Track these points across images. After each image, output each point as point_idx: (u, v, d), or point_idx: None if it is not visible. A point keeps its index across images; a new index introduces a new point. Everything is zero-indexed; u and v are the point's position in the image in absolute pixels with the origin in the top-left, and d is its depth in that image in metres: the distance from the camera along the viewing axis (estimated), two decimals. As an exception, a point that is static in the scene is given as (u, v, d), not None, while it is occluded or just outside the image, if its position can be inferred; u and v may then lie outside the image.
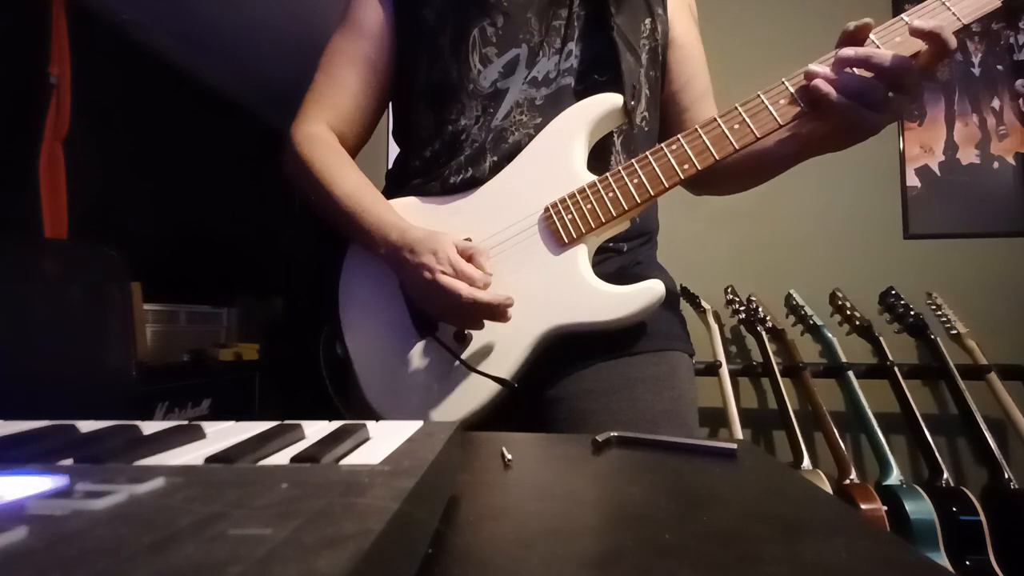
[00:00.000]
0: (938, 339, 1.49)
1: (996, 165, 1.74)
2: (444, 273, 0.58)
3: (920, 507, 1.19)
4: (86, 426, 0.30)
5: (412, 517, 0.17)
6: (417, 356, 0.67)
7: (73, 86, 2.09)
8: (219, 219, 3.06)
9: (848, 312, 1.61)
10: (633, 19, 0.71)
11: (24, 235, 1.87)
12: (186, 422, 0.29)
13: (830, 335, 1.59)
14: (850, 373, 1.52)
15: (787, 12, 1.88)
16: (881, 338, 1.54)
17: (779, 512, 0.28)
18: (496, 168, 0.68)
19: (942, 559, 1.15)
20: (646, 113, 0.73)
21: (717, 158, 0.60)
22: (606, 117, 0.66)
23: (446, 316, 0.63)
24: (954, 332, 1.51)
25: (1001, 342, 1.57)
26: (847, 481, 1.31)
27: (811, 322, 1.63)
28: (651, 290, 0.61)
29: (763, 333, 1.61)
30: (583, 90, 0.68)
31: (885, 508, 1.21)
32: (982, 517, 1.18)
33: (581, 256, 0.63)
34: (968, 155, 1.76)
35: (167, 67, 2.76)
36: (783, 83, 0.59)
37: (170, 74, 2.78)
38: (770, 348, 1.58)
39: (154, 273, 2.07)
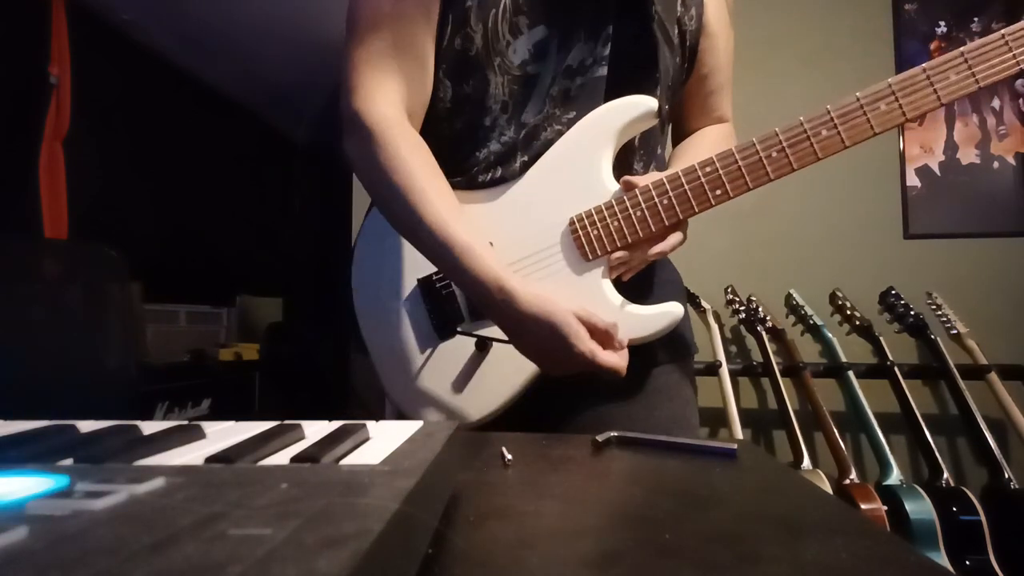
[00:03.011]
0: (938, 339, 1.49)
1: (996, 165, 1.74)
2: (592, 353, 0.56)
3: (920, 507, 1.19)
4: (86, 426, 0.30)
5: (412, 517, 0.17)
6: (439, 358, 0.67)
7: (73, 86, 2.09)
8: (219, 219, 3.06)
9: (848, 312, 1.61)
10: (671, 3, 0.67)
11: (24, 235, 1.87)
12: (186, 422, 0.29)
13: (830, 335, 1.59)
14: (850, 373, 1.52)
15: (787, 11, 1.88)
16: (881, 338, 1.54)
17: (779, 512, 0.28)
18: (525, 168, 0.65)
19: (942, 559, 1.15)
20: (667, 105, 0.70)
21: (751, 186, 0.58)
22: (637, 121, 0.63)
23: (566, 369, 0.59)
24: (954, 332, 1.51)
25: (1001, 342, 1.57)
26: (847, 481, 1.31)
27: (811, 322, 1.62)
28: (670, 314, 0.61)
29: (763, 333, 1.61)
30: (616, 83, 0.64)
31: (885, 508, 1.21)
32: (982, 517, 1.18)
33: (603, 273, 0.63)
34: (968, 155, 1.76)
35: (167, 67, 2.76)
36: (827, 111, 0.56)
37: (170, 74, 2.78)
38: (770, 348, 1.58)
39: (154, 273, 2.07)
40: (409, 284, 0.69)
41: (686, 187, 0.59)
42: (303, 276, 3.61)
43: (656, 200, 0.60)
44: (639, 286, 0.68)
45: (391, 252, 0.71)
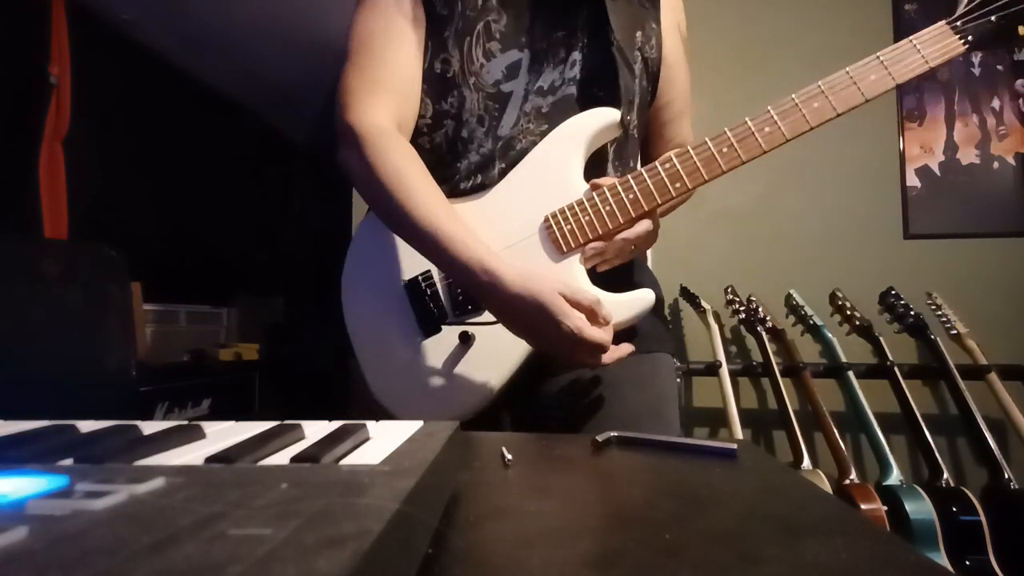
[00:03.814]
0: (938, 339, 1.49)
1: (996, 165, 1.74)
2: (579, 329, 0.58)
3: (920, 507, 1.19)
4: (86, 426, 0.30)
5: (412, 517, 0.17)
6: (423, 354, 0.70)
7: (73, 86, 2.09)
8: (219, 219, 3.06)
9: (848, 312, 1.61)
10: (629, 32, 0.74)
11: (24, 235, 1.87)
12: (186, 422, 0.29)
13: (830, 335, 1.58)
14: (850, 373, 1.52)
15: (787, 10, 1.88)
16: (881, 338, 1.54)
17: (779, 512, 0.28)
18: (503, 174, 0.71)
19: (942, 559, 1.15)
20: (635, 121, 0.77)
21: (706, 178, 0.65)
22: (603, 131, 0.70)
23: (559, 353, 0.62)
24: (954, 332, 1.51)
25: (1001, 342, 1.57)
26: (847, 481, 1.31)
27: (811, 322, 1.62)
28: (642, 299, 0.66)
29: (763, 333, 1.61)
30: (584, 100, 0.71)
31: (885, 508, 1.21)
32: (982, 517, 1.18)
33: (578, 262, 0.67)
34: (968, 155, 1.76)
35: (167, 67, 2.76)
36: (768, 111, 0.64)
37: (170, 74, 2.78)
38: (770, 348, 1.58)
39: (154, 273, 2.07)
40: (396, 288, 0.72)
41: (648, 182, 0.65)
42: (303, 276, 3.61)
43: (622, 195, 0.66)
44: (616, 287, 0.71)
45: (379, 260, 0.74)
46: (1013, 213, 1.71)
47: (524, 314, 0.59)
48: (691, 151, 0.64)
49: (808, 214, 1.81)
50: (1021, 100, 1.74)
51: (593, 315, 0.60)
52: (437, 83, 0.71)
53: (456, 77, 0.70)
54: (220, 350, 2.44)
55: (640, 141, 0.82)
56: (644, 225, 0.67)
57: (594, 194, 0.66)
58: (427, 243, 0.62)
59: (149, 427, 0.29)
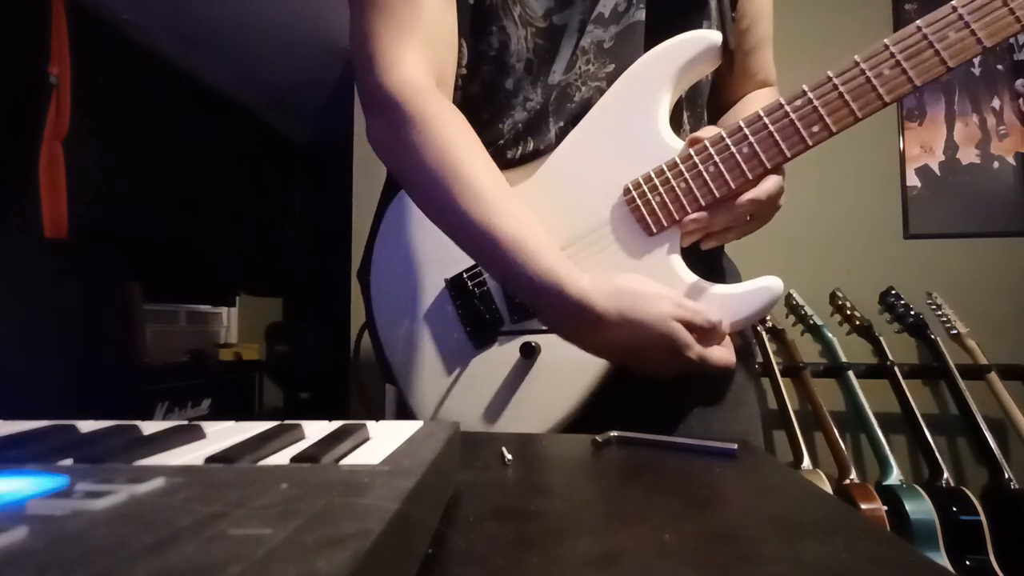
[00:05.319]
0: (938, 339, 1.49)
1: (996, 165, 1.74)
2: (702, 359, 0.47)
3: (920, 507, 1.19)
4: (86, 426, 0.30)
5: (412, 517, 0.17)
6: (476, 372, 0.57)
7: (73, 86, 2.09)
8: (219, 219, 3.06)
9: (848, 312, 1.61)
10: None
11: (24, 235, 1.87)
12: (186, 422, 0.29)
13: (830, 335, 1.59)
14: (850, 373, 1.52)
15: (787, 10, 1.88)
16: (881, 338, 1.54)
17: (779, 512, 0.28)
18: (562, 135, 0.55)
19: (942, 559, 1.15)
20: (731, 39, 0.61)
21: (860, 116, 0.47)
22: (699, 60, 0.52)
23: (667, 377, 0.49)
24: (954, 332, 1.51)
25: (1001, 342, 1.57)
26: (847, 481, 1.31)
27: (811, 322, 1.62)
28: (768, 289, 0.49)
29: (763, 333, 1.61)
30: (659, 27, 0.54)
31: (885, 508, 1.21)
32: (982, 517, 1.18)
33: (671, 249, 0.51)
34: (968, 155, 1.76)
35: (167, 67, 2.76)
36: (954, 7, 0.46)
37: (170, 74, 2.78)
38: (770, 348, 1.58)
39: (154, 273, 2.07)
40: (435, 286, 0.59)
41: (770, 127, 0.48)
42: (303, 276, 3.61)
43: (733, 149, 0.49)
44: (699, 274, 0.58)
45: (412, 251, 0.61)
46: (1013, 213, 1.71)
47: (623, 348, 0.46)
48: (834, 78, 0.47)
49: (808, 214, 1.81)
50: (1021, 100, 1.74)
51: (712, 334, 0.47)
52: (474, 17, 0.56)
53: (496, 7, 0.55)
54: (220, 350, 2.45)
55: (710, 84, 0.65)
56: (773, 181, 0.50)
57: (691, 151, 0.50)
58: (481, 249, 0.48)
59: (149, 427, 0.28)
